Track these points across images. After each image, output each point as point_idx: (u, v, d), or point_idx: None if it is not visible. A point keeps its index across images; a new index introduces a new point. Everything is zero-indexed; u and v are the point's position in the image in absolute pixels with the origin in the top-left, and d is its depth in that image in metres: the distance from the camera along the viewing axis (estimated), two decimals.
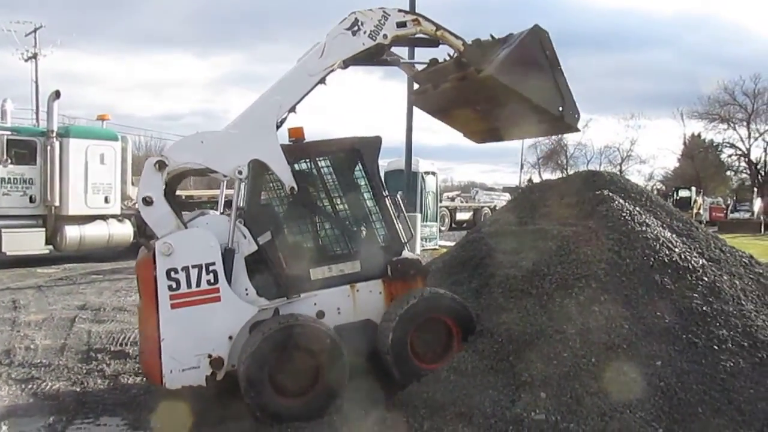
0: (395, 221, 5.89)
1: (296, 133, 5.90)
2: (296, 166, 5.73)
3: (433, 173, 21.47)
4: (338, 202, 5.86)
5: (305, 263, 5.58)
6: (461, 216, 32.45)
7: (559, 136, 48.42)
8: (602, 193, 6.62)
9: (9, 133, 14.66)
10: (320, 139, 6.05)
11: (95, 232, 15.77)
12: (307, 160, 5.85)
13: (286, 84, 5.67)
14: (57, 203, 15.01)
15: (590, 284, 5.63)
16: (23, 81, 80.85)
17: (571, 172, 20.69)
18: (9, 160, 14.36)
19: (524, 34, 5.83)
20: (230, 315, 5.22)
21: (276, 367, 5.03)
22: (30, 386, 6.15)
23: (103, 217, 16.04)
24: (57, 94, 15.21)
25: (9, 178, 14.51)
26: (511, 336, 5.46)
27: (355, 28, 5.60)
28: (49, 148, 14.90)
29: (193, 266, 5.14)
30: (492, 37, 6.16)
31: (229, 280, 5.22)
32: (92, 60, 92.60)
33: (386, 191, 5.96)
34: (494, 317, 5.73)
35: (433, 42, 6.04)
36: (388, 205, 5.89)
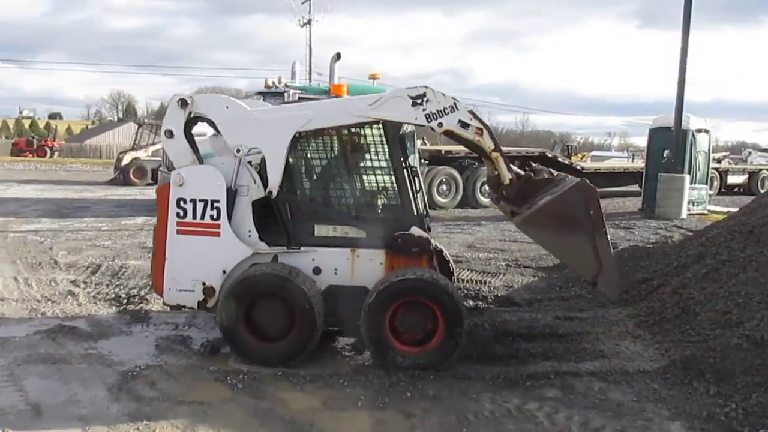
0: (411, 195, 5.74)
1: (337, 90, 5.75)
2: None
3: (706, 131, 19.58)
4: (354, 167, 5.82)
5: (311, 218, 5.74)
6: (733, 179, 29.22)
7: None
8: None
9: (300, 91, 16.59)
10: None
11: None
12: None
13: (326, 107, 5.68)
14: None
15: None
16: (296, 45, 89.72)
17: None
18: None
19: (568, 186, 5.20)
20: (226, 251, 5.54)
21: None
22: None
23: None
24: (338, 56, 16.69)
25: None
26: None
27: (419, 101, 5.35)
28: None
29: (200, 200, 5.52)
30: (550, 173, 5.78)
31: (229, 219, 5.53)
32: (352, 23, 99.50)
33: (407, 163, 5.78)
34: None
35: (477, 149, 5.61)
36: (406, 177, 5.72)
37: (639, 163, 26.66)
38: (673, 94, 16.40)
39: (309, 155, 5.93)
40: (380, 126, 5.67)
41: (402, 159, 5.74)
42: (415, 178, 6.04)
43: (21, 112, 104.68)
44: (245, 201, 5.63)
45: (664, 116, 18.23)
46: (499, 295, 7.91)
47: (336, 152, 5.89)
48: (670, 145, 16.65)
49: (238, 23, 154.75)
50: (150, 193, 20.47)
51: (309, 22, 44.13)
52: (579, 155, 43.94)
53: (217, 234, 5.53)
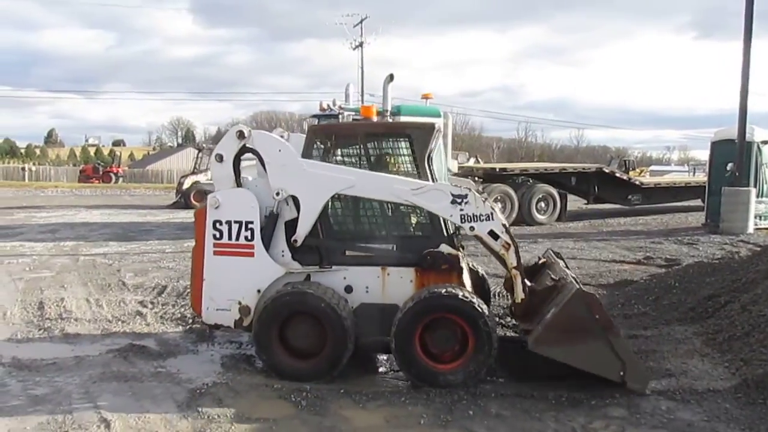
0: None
1: (366, 112, 5.96)
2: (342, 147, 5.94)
3: None
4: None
5: (342, 237, 5.83)
6: None
7: None
8: None
9: (353, 113, 16.84)
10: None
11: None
12: (358, 141, 5.93)
13: (371, 179, 5.61)
14: None
15: None
16: (348, 67, 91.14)
17: None
18: None
19: (567, 298, 5.20)
20: (261, 271, 5.70)
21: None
22: None
23: None
24: (391, 77, 16.80)
25: None
26: None
27: (459, 201, 5.44)
28: None
29: (235, 221, 5.73)
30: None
31: (269, 241, 5.71)
32: (402, 44, 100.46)
33: (433, 179, 5.72)
34: None
35: (500, 261, 5.69)
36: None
37: (701, 177, 25.93)
38: (734, 106, 15.95)
39: None
40: (408, 141, 5.80)
41: (430, 175, 5.76)
42: None
43: (87, 141, 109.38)
44: (279, 223, 5.81)
45: (727, 128, 17.70)
46: None
47: (365, 167, 5.92)
48: (733, 158, 16.11)
49: (291, 48, 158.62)
50: None
51: (361, 44, 44.90)
52: (637, 170, 43.00)
53: (252, 254, 5.73)
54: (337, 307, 5.42)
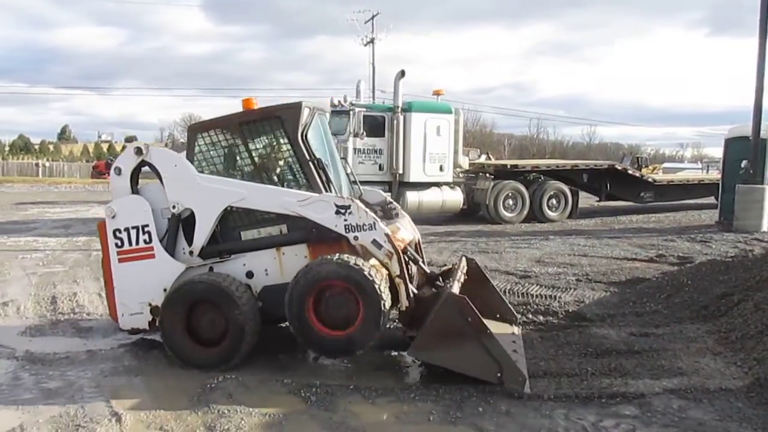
0: (321, 186, 5.91)
1: (247, 104, 6.12)
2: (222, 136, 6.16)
3: None
4: (263, 168, 6.15)
5: (236, 226, 6.04)
6: None
7: None
8: None
9: (364, 109, 16.90)
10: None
11: (431, 198, 17.39)
12: (235, 130, 6.13)
13: (261, 192, 5.87)
14: (401, 171, 16.95)
15: None
16: (359, 64, 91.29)
17: None
18: (364, 133, 16.57)
19: (439, 304, 5.33)
20: (164, 270, 5.91)
21: None
22: None
23: (438, 185, 17.55)
24: (402, 73, 17.00)
25: (363, 149, 16.79)
26: None
27: (343, 211, 5.65)
28: (395, 122, 16.83)
29: (132, 227, 5.96)
30: None
31: (174, 241, 5.96)
32: (414, 40, 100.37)
33: (309, 155, 5.97)
34: None
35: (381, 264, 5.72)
36: (313, 170, 5.93)
37: (714, 175, 25.70)
38: (748, 103, 15.85)
39: (223, 166, 6.25)
40: (279, 122, 6.03)
41: (307, 153, 5.96)
42: (327, 169, 6.16)
43: (100, 137, 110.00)
44: (179, 222, 6.03)
45: (741, 126, 17.54)
46: (570, 310, 7.76)
47: (245, 159, 6.20)
48: (747, 155, 15.96)
49: (302, 45, 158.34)
50: None
51: (372, 41, 44.79)
52: (650, 167, 42.72)
53: (152, 256, 5.96)
54: (230, 290, 5.60)
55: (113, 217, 6.02)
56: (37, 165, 56.78)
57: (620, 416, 4.74)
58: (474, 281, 6.58)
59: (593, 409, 4.87)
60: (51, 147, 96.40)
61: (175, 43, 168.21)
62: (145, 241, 5.96)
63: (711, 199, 21.28)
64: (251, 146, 6.17)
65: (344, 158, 6.38)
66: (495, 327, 5.70)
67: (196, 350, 5.72)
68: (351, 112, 16.46)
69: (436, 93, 18.90)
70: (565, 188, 19.03)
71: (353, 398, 5.09)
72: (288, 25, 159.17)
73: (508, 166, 20.20)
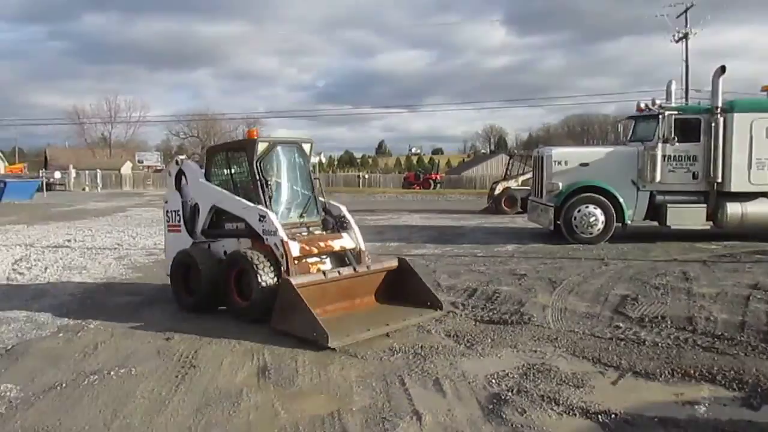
0: (262, 200, 8.24)
1: (250, 135, 8.50)
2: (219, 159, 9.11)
3: None
4: (235, 182, 8.79)
5: (222, 219, 8.78)
6: None
7: None
8: None
9: (676, 112, 15.40)
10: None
11: (758, 209, 15.08)
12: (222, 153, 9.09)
13: (228, 198, 8.60)
14: (719, 179, 15.00)
15: None
16: (668, 63, 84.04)
17: None
18: (675, 139, 15.07)
19: (281, 287, 7.30)
20: (182, 241, 9.06)
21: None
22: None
23: (766, 195, 15.19)
24: (722, 69, 15.15)
25: (674, 156, 15.18)
26: None
27: (262, 218, 8.09)
28: (713, 124, 14.97)
29: (173, 210, 9.35)
30: None
31: (193, 224, 9.05)
32: (737, 31, 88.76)
33: (259, 177, 8.31)
34: None
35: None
36: (259, 188, 8.29)
37: None
38: None
39: (223, 178, 9.00)
40: (244, 152, 8.47)
41: (258, 175, 8.29)
42: (273, 188, 8.43)
43: (410, 150, 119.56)
44: (196, 212, 9.06)
45: None
46: None
47: (225, 175, 8.97)
48: None
49: (605, 48, 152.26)
50: (519, 221, 21.27)
51: (685, 36, 41.09)
52: None
53: (179, 230, 9.20)
54: (195, 260, 8.43)
55: (166, 202, 9.49)
56: (358, 176, 63.94)
57: None
58: (404, 276, 8.46)
59: None
60: (370, 160, 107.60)
61: (478, 58, 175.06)
62: (177, 221, 9.21)
63: None
64: (233, 167, 8.82)
65: (318, 179, 9.17)
66: (422, 311, 7.98)
67: (185, 297, 8.69)
68: (660, 116, 15.19)
69: (766, 89, 16.45)
70: None
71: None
72: (589, 30, 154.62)
73: None
